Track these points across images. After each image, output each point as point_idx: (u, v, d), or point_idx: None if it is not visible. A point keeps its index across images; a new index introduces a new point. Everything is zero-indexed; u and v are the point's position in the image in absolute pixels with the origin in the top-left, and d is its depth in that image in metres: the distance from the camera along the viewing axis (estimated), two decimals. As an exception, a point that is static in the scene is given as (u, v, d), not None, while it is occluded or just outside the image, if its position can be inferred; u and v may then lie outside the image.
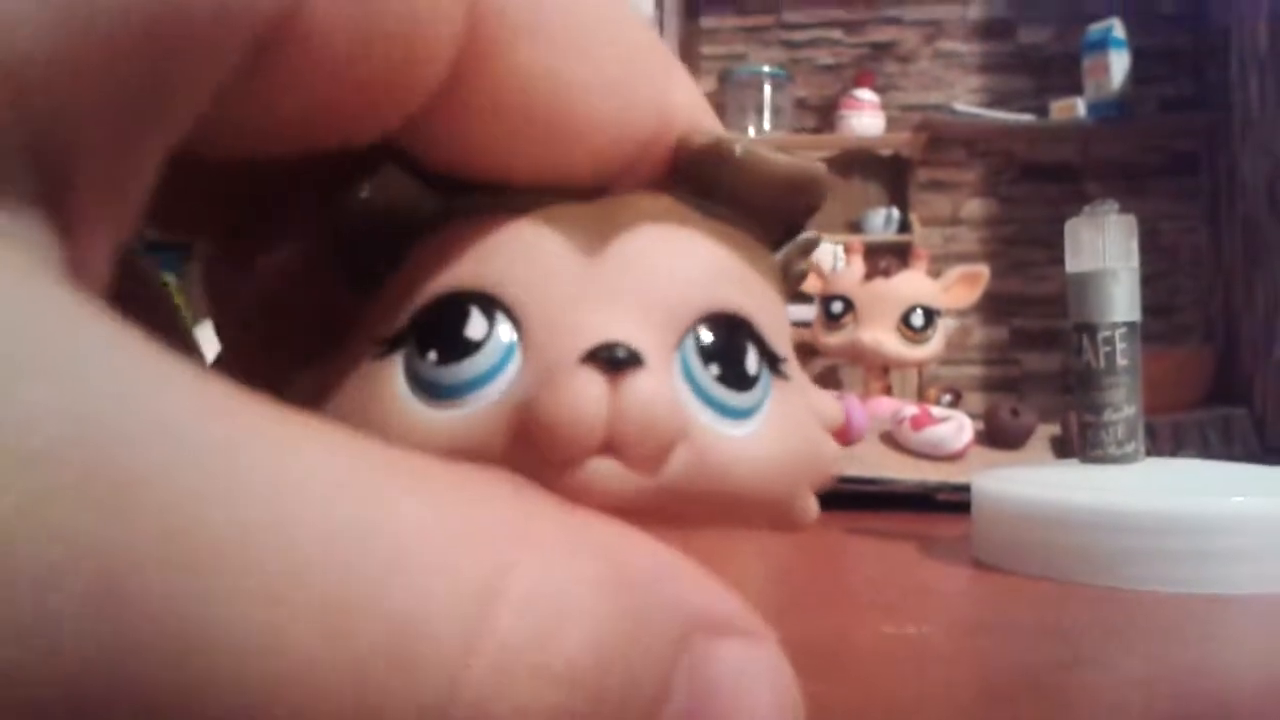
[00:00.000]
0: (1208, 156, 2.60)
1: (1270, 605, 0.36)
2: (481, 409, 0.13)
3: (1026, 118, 2.55)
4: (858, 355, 0.74)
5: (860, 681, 0.28)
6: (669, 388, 0.13)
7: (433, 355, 0.14)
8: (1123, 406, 0.45)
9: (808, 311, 0.80)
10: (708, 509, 0.14)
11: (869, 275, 0.73)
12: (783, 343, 0.15)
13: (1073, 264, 0.46)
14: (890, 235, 2.42)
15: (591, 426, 0.12)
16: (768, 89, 2.54)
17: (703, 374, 0.14)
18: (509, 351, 0.14)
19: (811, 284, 0.77)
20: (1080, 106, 2.48)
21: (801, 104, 2.66)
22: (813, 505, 0.16)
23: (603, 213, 0.15)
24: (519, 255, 0.14)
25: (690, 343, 0.14)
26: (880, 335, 0.72)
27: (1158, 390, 0.89)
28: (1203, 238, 2.60)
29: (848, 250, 0.79)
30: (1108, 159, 2.60)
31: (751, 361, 0.15)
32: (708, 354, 0.14)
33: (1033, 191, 2.63)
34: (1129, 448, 0.45)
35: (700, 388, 0.14)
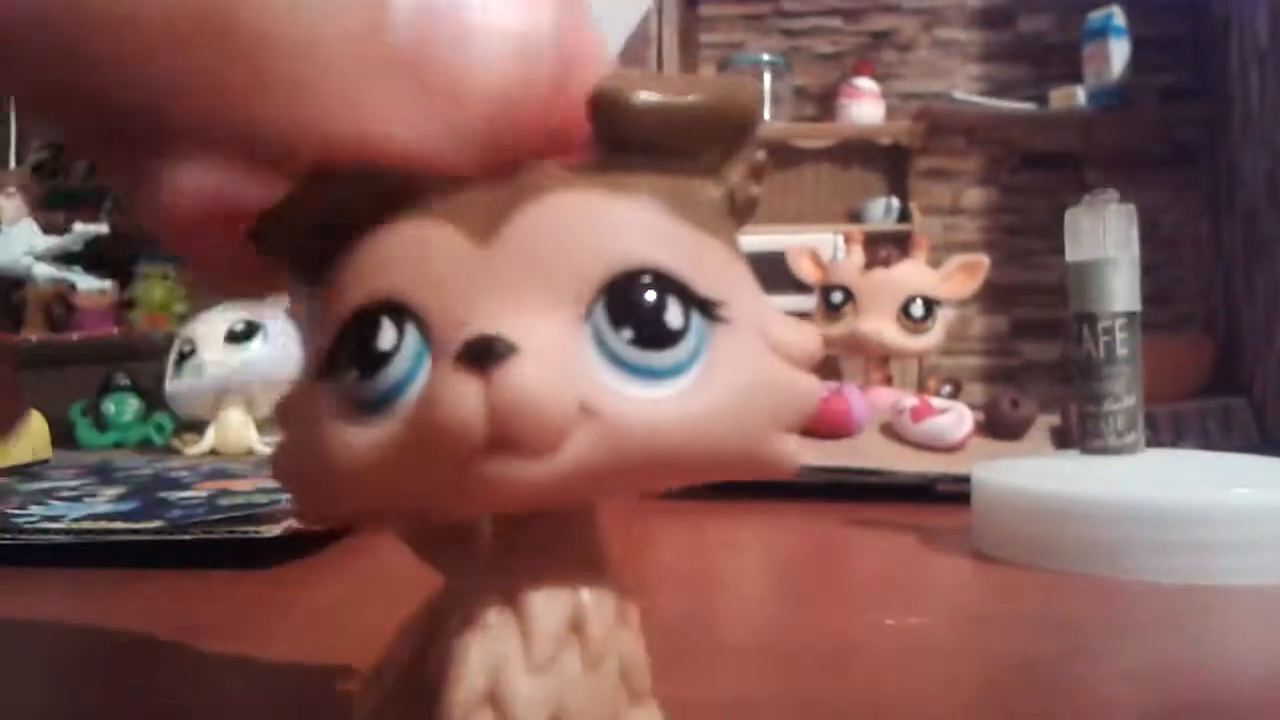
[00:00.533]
0: (1208, 146, 2.60)
1: (1270, 596, 0.36)
2: (398, 419, 0.13)
3: (1026, 106, 2.55)
4: (858, 346, 0.74)
5: (861, 673, 0.28)
6: (552, 370, 0.13)
7: (354, 373, 0.14)
8: (1123, 397, 0.45)
9: (808, 302, 0.79)
10: (637, 477, 0.14)
11: (869, 265, 0.73)
12: (725, 284, 0.15)
13: (1073, 253, 0.46)
14: (890, 225, 2.42)
15: (468, 427, 0.12)
16: (767, 77, 2.53)
17: (615, 340, 0.14)
18: (419, 357, 0.13)
19: (811, 274, 0.77)
20: (1080, 95, 2.48)
21: (801, 92, 2.66)
22: (789, 446, 0.15)
23: (501, 197, 0.14)
24: (418, 257, 0.14)
25: (600, 310, 0.14)
26: (880, 325, 0.72)
27: (1158, 380, 0.89)
28: (1203, 227, 2.60)
29: (847, 240, 0.79)
30: (1108, 148, 2.60)
31: (674, 314, 0.14)
32: (618, 318, 0.14)
33: (1033, 180, 2.63)
34: (1129, 438, 0.45)
35: (615, 354, 0.14)
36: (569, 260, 0.14)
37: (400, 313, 0.14)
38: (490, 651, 0.14)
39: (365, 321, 0.14)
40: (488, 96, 0.13)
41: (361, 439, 0.14)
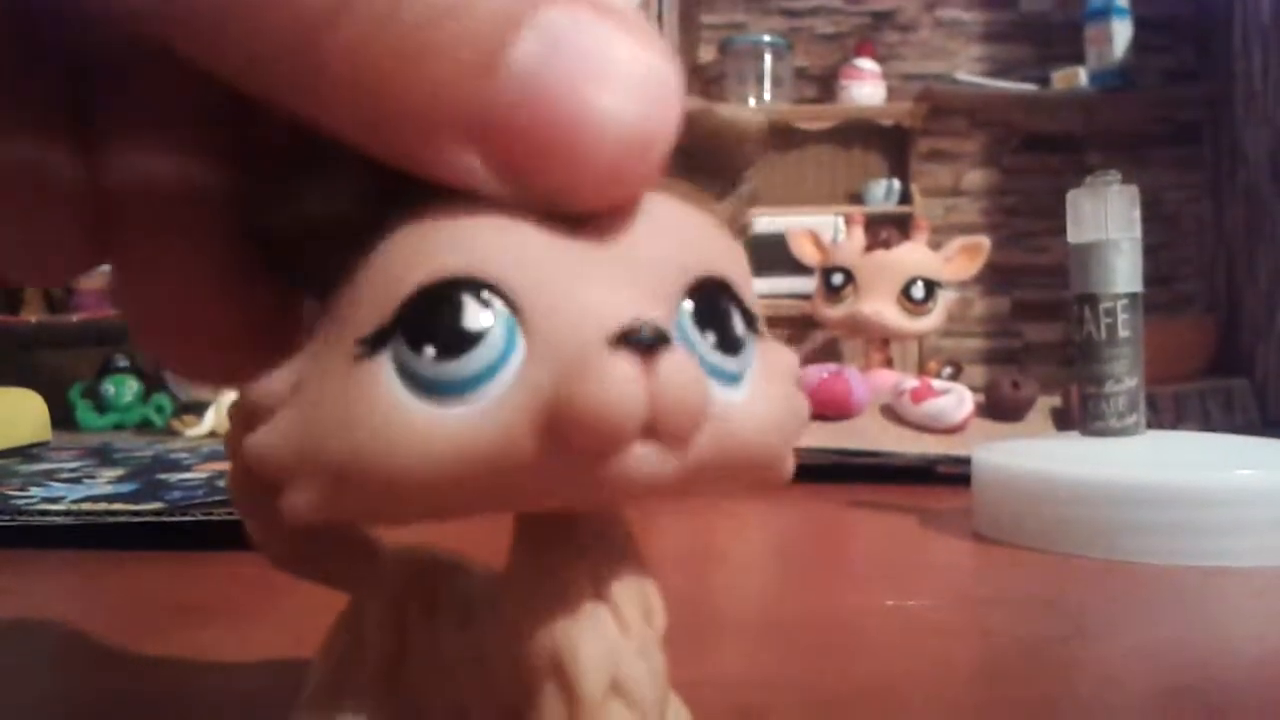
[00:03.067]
0: (1210, 127, 2.59)
1: (1270, 578, 0.36)
2: (493, 402, 0.13)
3: (1028, 87, 2.54)
4: (858, 327, 0.74)
5: (860, 654, 0.28)
6: (696, 363, 0.13)
7: (430, 351, 0.13)
8: (1124, 378, 0.45)
9: (808, 284, 0.79)
10: (722, 477, 0.14)
11: (869, 247, 0.73)
12: (752, 300, 0.15)
13: (1074, 235, 0.46)
14: (891, 206, 2.41)
15: (634, 414, 0.12)
16: (768, 58, 2.52)
17: (701, 342, 0.14)
18: (510, 339, 0.13)
19: (812, 256, 0.77)
20: (1082, 76, 2.47)
21: (802, 73, 2.65)
22: (791, 460, 0.15)
23: None
24: (502, 235, 0.13)
25: (685, 311, 0.14)
26: (881, 307, 0.72)
27: (1159, 361, 0.89)
28: (1205, 208, 2.59)
29: (848, 222, 0.78)
30: (1110, 129, 2.59)
31: (738, 324, 0.14)
32: (702, 321, 0.14)
33: (1034, 162, 2.62)
34: (1130, 420, 0.45)
35: (702, 357, 0.14)
36: (663, 258, 0.14)
37: (484, 290, 0.13)
38: (600, 641, 0.14)
39: (440, 297, 0.13)
40: (606, 153, 0.12)
41: (445, 420, 0.13)
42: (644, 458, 0.12)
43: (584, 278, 0.13)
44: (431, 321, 0.13)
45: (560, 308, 0.13)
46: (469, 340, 0.13)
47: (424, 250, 0.13)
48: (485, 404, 0.13)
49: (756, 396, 0.14)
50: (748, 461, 0.14)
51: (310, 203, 0.14)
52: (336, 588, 0.18)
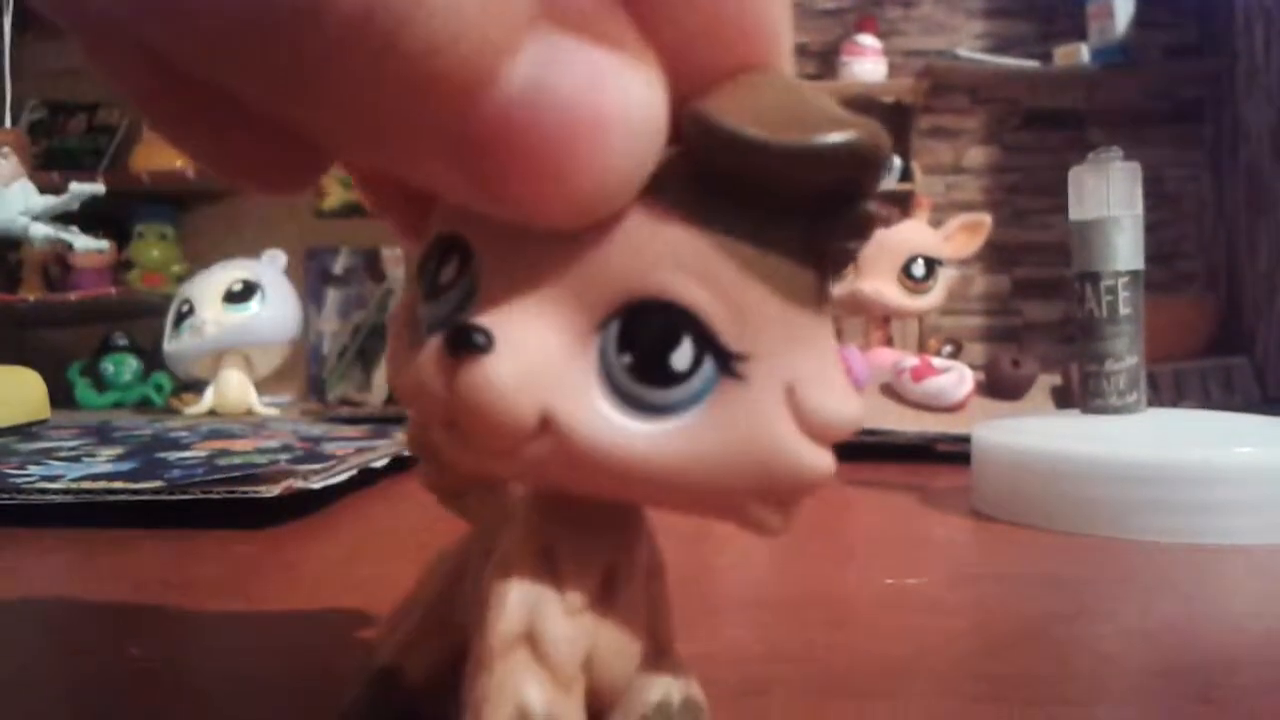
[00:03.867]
0: (1212, 104, 2.58)
1: (1270, 555, 0.36)
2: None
3: (1030, 64, 2.52)
4: (858, 306, 0.74)
5: (861, 632, 0.28)
6: (514, 378, 0.13)
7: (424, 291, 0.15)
8: (1125, 356, 0.45)
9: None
10: (593, 489, 0.14)
11: (870, 224, 0.73)
12: (767, 338, 0.14)
13: (1076, 212, 0.46)
14: (892, 184, 2.41)
15: (435, 403, 0.13)
16: (768, 35, 2.51)
17: (614, 362, 0.14)
18: (468, 289, 0.14)
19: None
20: (1084, 52, 2.45)
21: (802, 50, 2.63)
22: (773, 517, 0.14)
23: None
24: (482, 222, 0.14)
25: (613, 327, 0.14)
26: (881, 285, 0.72)
27: (1159, 339, 0.88)
28: (1206, 186, 2.58)
29: (849, 199, 0.78)
30: (1112, 106, 2.58)
31: (682, 357, 0.13)
32: (624, 341, 0.14)
33: (1036, 139, 2.61)
34: (1130, 398, 0.45)
35: (611, 376, 0.14)
36: (600, 270, 0.13)
37: (465, 249, 0.14)
38: (528, 593, 0.14)
39: (438, 251, 0.15)
40: (594, 186, 0.12)
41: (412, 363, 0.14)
42: (454, 448, 0.14)
43: (529, 266, 0.14)
44: (432, 272, 0.15)
45: (496, 284, 0.14)
46: (438, 290, 0.15)
47: (437, 211, 0.15)
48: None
49: (681, 433, 0.14)
50: (632, 486, 0.14)
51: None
52: (473, 522, 0.19)
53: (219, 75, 0.12)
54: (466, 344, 0.13)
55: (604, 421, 0.14)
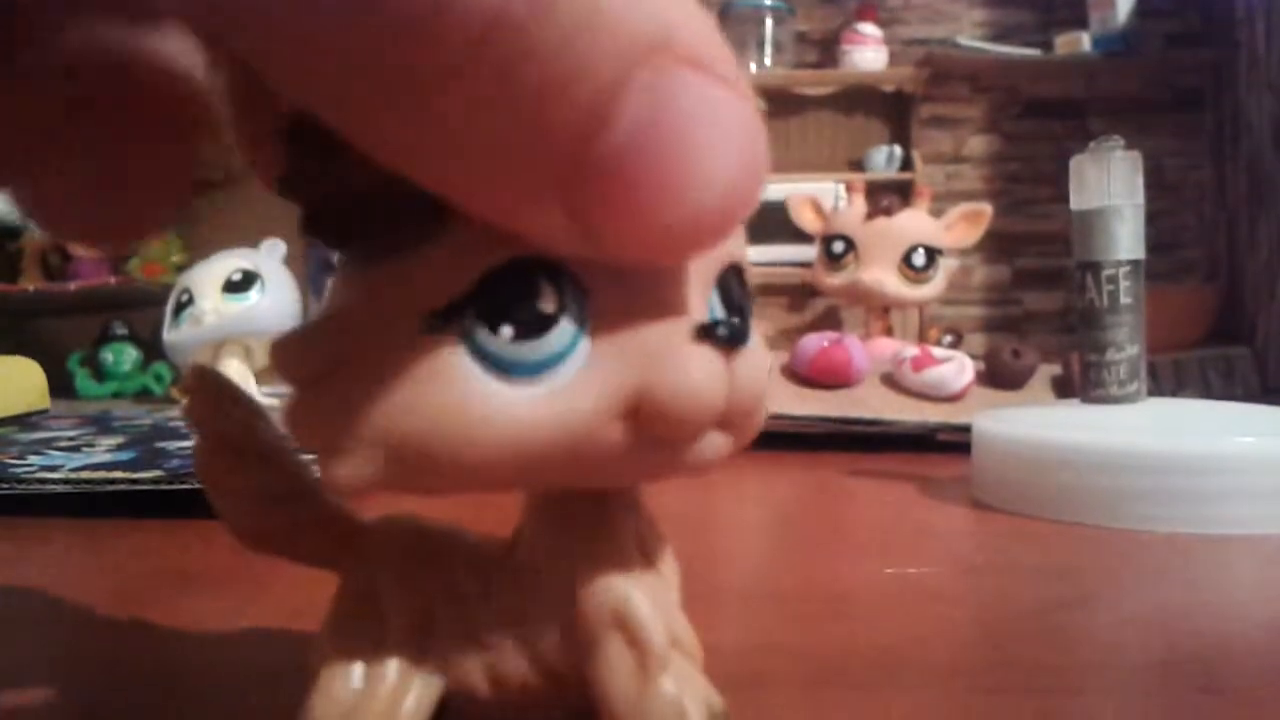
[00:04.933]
0: (1213, 93, 2.57)
1: (1271, 545, 0.36)
2: (568, 386, 0.13)
3: (1031, 52, 2.52)
4: (859, 295, 0.74)
5: (861, 622, 0.28)
6: (759, 357, 0.14)
7: (507, 330, 0.13)
8: (1125, 346, 0.45)
9: (809, 251, 0.79)
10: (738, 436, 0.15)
11: (870, 214, 0.73)
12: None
13: (1077, 201, 0.46)
14: (892, 173, 2.40)
15: (716, 405, 0.13)
16: (769, 23, 2.50)
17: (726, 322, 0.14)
18: (581, 324, 0.13)
19: (812, 223, 0.77)
20: (1085, 41, 2.45)
21: (803, 38, 2.63)
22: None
23: None
24: None
25: (715, 299, 0.14)
26: (881, 275, 0.72)
27: (1160, 329, 0.88)
28: (1207, 175, 2.58)
29: (849, 189, 0.78)
30: (1113, 94, 2.57)
31: (748, 304, 0.15)
32: (728, 306, 0.14)
33: (1037, 128, 2.61)
34: (1131, 387, 0.45)
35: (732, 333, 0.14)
36: (709, 255, 0.14)
37: (558, 274, 0.13)
38: (657, 596, 0.15)
39: (516, 277, 0.13)
40: (703, 220, 0.12)
41: (522, 400, 0.13)
42: (713, 444, 0.14)
43: (648, 273, 0.13)
44: (510, 300, 0.13)
45: (629, 298, 0.13)
46: (546, 322, 0.13)
47: (497, 233, 0.13)
48: (557, 387, 0.13)
49: (757, 360, 0.15)
50: (757, 424, 0.15)
51: (355, 183, 0.13)
52: (308, 564, 0.18)
53: (307, 86, 0.11)
54: (738, 335, 0.13)
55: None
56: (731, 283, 0.14)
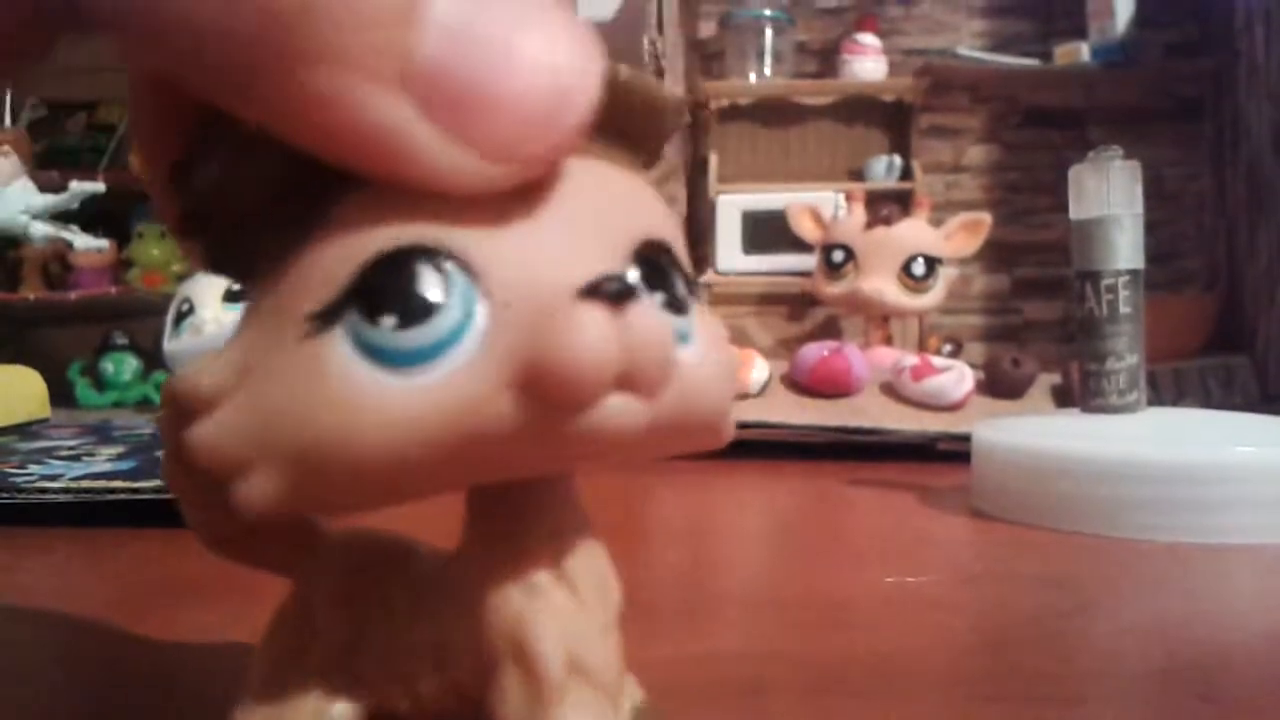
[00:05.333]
0: (1212, 102, 2.57)
1: (1270, 554, 0.36)
2: (459, 369, 0.12)
3: (1030, 62, 2.52)
4: (858, 305, 0.74)
5: (861, 630, 0.28)
6: (663, 313, 0.13)
7: (389, 320, 0.12)
8: (1125, 355, 0.45)
9: (809, 260, 0.79)
10: (679, 435, 0.14)
11: (870, 224, 0.73)
12: (688, 264, 0.15)
13: (1076, 211, 0.46)
14: (892, 183, 2.40)
15: (608, 363, 0.12)
16: (769, 33, 2.51)
17: (651, 303, 0.13)
18: (470, 305, 0.12)
19: (812, 232, 0.77)
20: (1084, 51, 2.45)
21: (802, 48, 2.63)
22: (732, 423, 0.15)
23: None
24: (451, 204, 0.13)
25: (633, 273, 0.14)
26: (881, 284, 0.72)
27: (1159, 338, 0.88)
28: (1206, 184, 2.58)
29: (849, 198, 0.78)
30: (1112, 104, 2.58)
31: (680, 285, 0.14)
32: (650, 282, 0.14)
33: (1036, 137, 2.61)
34: (1131, 397, 0.45)
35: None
36: (611, 221, 0.14)
37: (440, 257, 0.13)
38: (563, 618, 0.14)
39: (397, 266, 0.12)
40: (540, 96, 0.12)
41: (408, 390, 0.12)
42: (618, 408, 0.12)
43: (539, 241, 0.13)
44: (389, 290, 0.12)
45: (519, 270, 0.13)
46: (429, 308, 0.12)
47: (374, 223, 0.13)
48: (450, 371, 0.12)
49: (704, 358, 0.14)
50: (701, 419, 0.14)
51: (226, 182, 0.13)
52: (278, 574, 0.18)
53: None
54: (629, 289, 0.12)
55: (678, 357, 0.14)
56: (659, 260, 0.14)
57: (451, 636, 0.15)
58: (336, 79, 0.12)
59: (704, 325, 0.15)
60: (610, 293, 0.12)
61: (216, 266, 0.14)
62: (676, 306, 0.14)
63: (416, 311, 0.12)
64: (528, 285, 0.13)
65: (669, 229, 0.15)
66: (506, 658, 0.14)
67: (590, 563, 0.15)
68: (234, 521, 0.16)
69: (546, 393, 0.12)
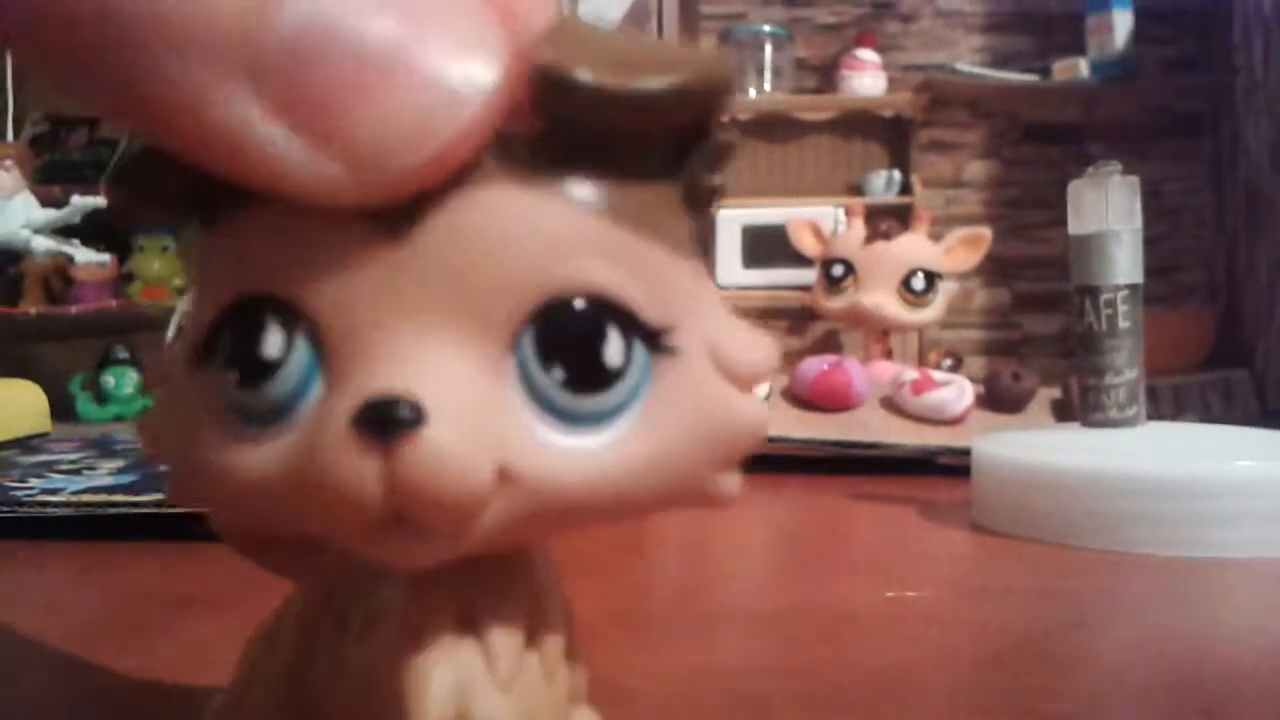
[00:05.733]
0: (1211, 118, 2.58)
1: (1270, 569, 0.36)
2: (289, 443, 0.12)
3: (1029, 78, 2.53)
4: (858, 319, 0.74)
5: (860, 643, 0.28)
6: (466, 435, 0.11)
7: (233, 376, 0.12)
8: (1124, 369, 0.45)
9: (808, 275, 0.79)
10: (560, 528, 0.13)
11: (870, 238, 0.73)
12: (676, 301, 0.13)
13: (1075, 226, 0.46)
14: (891, 197, 2.41)
15: (364, 506, 0.11)
16: (768, 48, 2.51)
17: (543, 379, 0.12)
18: (309, 371, 0.12)
19: (812, 247, 0.77)
20: (1083, 67, 2.46)
21: (802, 64, 2.64)
22: (730, 481, 0.13)
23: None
24: (315, 249, 0.12)
25: (528, 341, 0.12)
26: (881, 299, 0.72)
27: (1159, 353, 0.88)
28: (1205, 200, 2.59)
29: (848, 213, 0.78)
30: (1111, 120, 2.58)
31: (613, 350, 0.12)
32: (549, 354, 0.12)
33: (1035, 153, 2.62)
34: (1130, 411, 0.45)
35: (542, 396, 0.12)
36: (497, 276, 0.12)
37: (289, 314, 0.11)
38: (456, 671, 0.13)
39: (246, 317, 0.12)
40: (410, 98, 0.11)
41: (249, 458, 0.12)
42: (399, 546, 0.11)
43: (391, 308, 0.11)
44: (233, 344, 0.12)
45: (357, 345, 0.11)
46: (264, 369, 0.11)
47: (240, 263, 0.12)
48: (283, 440, 0.12)
49: (636, 435, 0.12)
50: (602, 509, 0.13)
51: (144, 182, 0.13)
52: (279, 575, 0.17)
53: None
54: (396, 421, 0.11)
55: (553, 449, 0.12)
56: (569, 323, 0.12)
57: (374, 668, 0.14)
58: (175, 70, 0.11)
59: (675, 385, 0.13)
60: (379, 422, 0.11)
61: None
62: (586, 381, 0.12)
63: (253, 371, 0.12)
64: (360, 370, 0.11)
65: (623, 271, 0.12)
66: (394, 706, 0.13)
67: (513, 614, 0.14)
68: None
69: (317, 517, 0.11)
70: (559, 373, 0.12)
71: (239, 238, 0.12)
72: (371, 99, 0.11)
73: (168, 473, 0.13)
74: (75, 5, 0.11)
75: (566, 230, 0.12)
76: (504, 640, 0.13)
